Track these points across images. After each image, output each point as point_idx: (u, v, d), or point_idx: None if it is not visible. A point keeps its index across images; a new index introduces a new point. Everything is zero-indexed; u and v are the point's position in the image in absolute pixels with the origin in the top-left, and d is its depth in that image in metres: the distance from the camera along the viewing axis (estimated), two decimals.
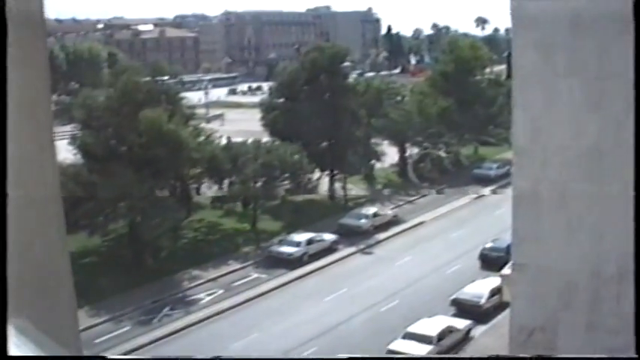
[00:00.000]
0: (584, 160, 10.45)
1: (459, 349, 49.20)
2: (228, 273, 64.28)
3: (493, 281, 54.89)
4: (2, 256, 7.29)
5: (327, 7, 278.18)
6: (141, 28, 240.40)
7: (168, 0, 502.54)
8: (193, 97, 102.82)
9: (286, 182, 74.05)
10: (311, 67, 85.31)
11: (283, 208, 76.27)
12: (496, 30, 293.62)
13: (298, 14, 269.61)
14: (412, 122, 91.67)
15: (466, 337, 51.14)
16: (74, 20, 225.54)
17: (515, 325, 11.43)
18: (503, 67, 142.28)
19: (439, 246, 70.02)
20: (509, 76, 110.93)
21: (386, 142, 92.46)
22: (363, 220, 75.29)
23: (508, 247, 51.37)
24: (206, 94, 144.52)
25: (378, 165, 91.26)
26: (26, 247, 8.52)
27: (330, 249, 69.28)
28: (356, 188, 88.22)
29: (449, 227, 75.78)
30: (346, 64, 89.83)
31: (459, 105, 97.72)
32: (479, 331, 51.99)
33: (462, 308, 54.69)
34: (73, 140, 65.69)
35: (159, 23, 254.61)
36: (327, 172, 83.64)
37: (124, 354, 47.91)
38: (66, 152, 61.26)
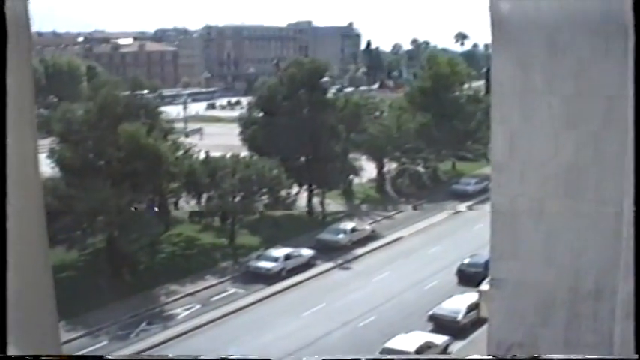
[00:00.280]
0: (562, 176, 10.49)
1: None
2: (205, 288, 64.11)
3: (471, 297, 54.89)
4: (2, 256, 7.27)
5: (309, 22, 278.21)
6: (120, 42, 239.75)
7: (150, 14, 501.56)
8: (172, 111, 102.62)
9: (264, 197, 73.87)
10: (290, 82, 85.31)
11: (261, 223, 76.14)
12: (475, 46, 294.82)
13: (279, 29, 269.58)
14: (391, 137, 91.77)
15: (444, 352, 51.10)
16: (54, 34, 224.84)
17: (493, 341, 11.45)
18: (481, 82, 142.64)
19: (417, 261, 70.07)
20: (487, 91, 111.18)
21: (364, 158, 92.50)
22: (341, 236, 75.28)
23: (486, 263, 51.50)
24: (185, 108, 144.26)
25: (356, 180, 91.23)
26: (9, 259, 8.48)
27: (308, 264, 69.24)
28: (334, 203, 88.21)
29: (427, 243, 75.87)
30: (325, 79, 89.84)
31: (438, 120, 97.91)
32: (456, 346, 52.01)
33: (440, 324, 54.73)
34: (52, 154, 65.39)
35: (138, 37, 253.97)
36: (305, 187, 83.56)
37: None
38: (44, 166, 60.99)
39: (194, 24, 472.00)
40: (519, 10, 10.34)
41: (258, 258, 68.72)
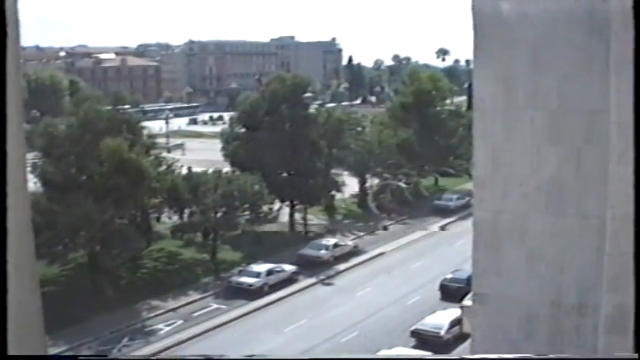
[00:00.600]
0: (545, 191, 10.49)
1: None
2: (187, 303, 64.01)
3: (453, 312, 54.91)
4: (2, 256, 7.22)
5: (291, 37, 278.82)
6: (103, 56, 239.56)
7: (132, 29, 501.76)
8: (154, 126, 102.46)
9: (246, 212, 73.77)
10: (272, 97, 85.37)
11: (243, 238, 76.02)
12: (457, 61, 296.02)
13: (261, 44, 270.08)
14: (372, 153, 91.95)
15: None
16: (37, 48, 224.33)
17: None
18: (463, 98, 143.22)
19: (399, 277, 70.09)
20: (469, 107, 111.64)
21: (346, 173, 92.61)
22: (323, 251, 75.27)
23: (468, 278, 51.48)
24: (167, 123, 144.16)
25: (338, 196, 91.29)
26: None
27: (291, 280, 69.22)
28: (316, 219, 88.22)
29: (409, 258, 75.92)
30: (307, 94, 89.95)
31: (420, 136, 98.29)
32: None
33: (423, 339, 54.69)
34: (34, 168, 65.12)
35: (121, 52, 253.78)
36: (287, 203, 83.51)
37: None
38: None
39: (176, 39, 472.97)
40: (502, 25, 10.35)
41: (240, 273, 68.67)
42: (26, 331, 9.35)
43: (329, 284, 69.98)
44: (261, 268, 68.52)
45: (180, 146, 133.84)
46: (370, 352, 50.60)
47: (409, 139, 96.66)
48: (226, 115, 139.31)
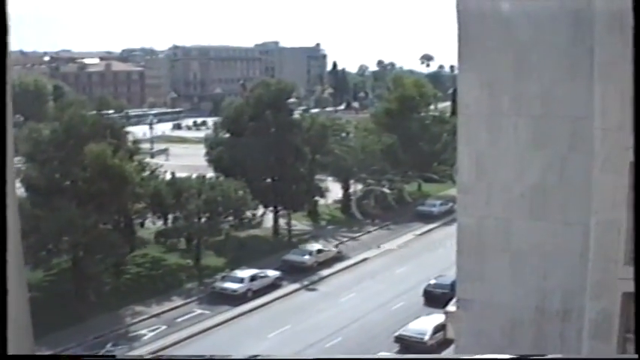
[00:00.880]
0: (529, 197, 10.52)
1: None
2: (171, 309, 63.81)
3: (437, 318, 54.90)
4: (2, 255, 7.22)
5: (276, 43, 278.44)
6: (87, 61, 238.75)
7: (116, 34, 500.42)
8: (138, 131, 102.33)
9: (230, 218, 73.59)
10: (256, 102, 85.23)
11: (227, 244, 75.79)
12: (441, 67, 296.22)
13: (245, 49, 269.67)
14: (356, 159, 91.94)
15: None
16: (21, 52, 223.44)
17: None
18: (447, 104, 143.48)
19: (383, 282, 70.07)
20: (454, 112, 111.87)
21: (330, 179, 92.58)
22: (307, 257, 75.17)
23: (452, 284, 51.55)
24: (151, 128, 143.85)
25: (322, 201, 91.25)
26: None
27: (274, 285, 69.09)
28: (300, 224, 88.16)
29: (393, 264, 75.93)
30: (292, 100, 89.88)
31: (404, 142, 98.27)
32: None
33: (406, 345, 54.67)
34: (17, 173, 64.79)
35: (105, 57, 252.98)
36: (271, 208, 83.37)
37: None
38: None
39: (161, 44, 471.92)
40: (486, 32, 10.38)
41: (224, 279, 68.48)
42: (15, 332, 9.33)
43: (313, 290, 69.91)
44: (245, 273, 68.39)
45: (164, 151, 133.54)
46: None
47: (393, 144, 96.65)
48: (210, 121, 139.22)
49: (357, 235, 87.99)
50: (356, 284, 70.26)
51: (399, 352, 53.82)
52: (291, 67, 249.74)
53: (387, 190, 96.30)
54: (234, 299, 65.38)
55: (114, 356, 32.95)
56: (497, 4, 10.41)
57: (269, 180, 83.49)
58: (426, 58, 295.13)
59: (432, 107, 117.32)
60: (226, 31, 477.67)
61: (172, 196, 70.63)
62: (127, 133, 76.52)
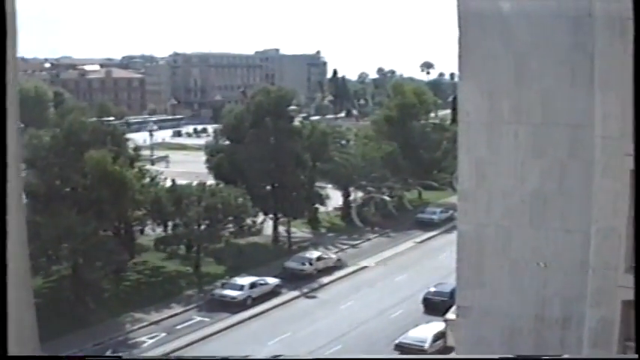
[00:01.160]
0: (529, 205, 10.54)
1: None
2: (171, 316, 63.72)
3: (437, 325, 54.87)
4: (2, 256, 7.25)
5: (276, 50, 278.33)
6: (87, 68, 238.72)
7: (117, 40, 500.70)
8: (138, 138, 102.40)
9: (230, 225, 73.56)
10: (257, 109, 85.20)
11: (227, 251, 75.72)
12: (441, 74, 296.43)
13: (245, 57, 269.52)
14: (356, 166, 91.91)
15: None
16: (22, 59, 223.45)
17: None
18: (448, 111, 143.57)
19: (383, 290, 70.04)
20: (454, 120, 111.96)
21: (330, 186, 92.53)
22: (306, 264, 75.07)
23: (452, 292, 51.58)
24: (151, 135, 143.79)
25: (322, 209, 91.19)
26: None
27: (274, 292, 68.99)
28: (300, 232, 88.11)
29: (393, 271, 75.87)
30: (292, 107, 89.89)
31: (404, 149, 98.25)
32: None
33: (406, 352, 54.55)
34: None
35: (105, 64, 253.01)
36: (271, 216, 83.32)
37: None
38: None
39: (161, 51, 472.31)
40: (486, 40, 10.39)
41: (224, 286, 68.42)
42: (20, 334, 9.37)
43: (312, 297, 69.85)
44: (245, 281, 68.31)
45: (164, 158, 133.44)
46: None
47: (393, 152, 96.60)
48: (210, 128, 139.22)
49: (357, 242, 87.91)
50: (355, 292, 70.20)
51: None
52: (292, 75, 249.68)
53: (387, 198, 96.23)
54: (234, 306, 65.32)
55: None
56: (498, 12, 10.44)
57: (269, 187, 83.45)
58: (427, 66, 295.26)
59: (432, 115, 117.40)
60: (226, 38, 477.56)
61: (172, 203, 70.60)
62: (128, 140, 76.60)
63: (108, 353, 56.15)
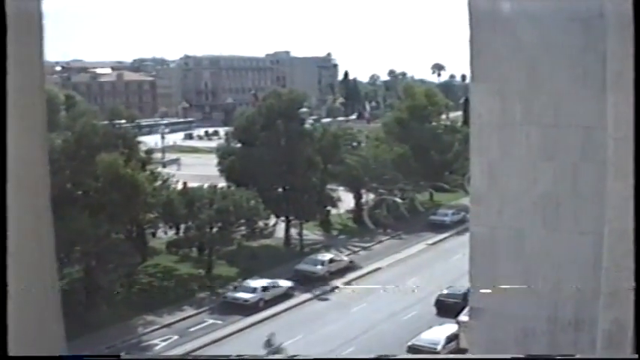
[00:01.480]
0: (541, 207, 10.50)
1: None
2: (183, 319, 63.84)
3: (450, 328, 54.82)
4: (2, 256, 7.27)
5: (287, 53, 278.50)
6: (99, 71, 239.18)
7: (128, 43, 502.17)
8: (150, 141, 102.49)
9: (242, 228, 73.66)
10: (268, 112, 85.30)
11: (239, 253, 75.84)
12: (452, 76, 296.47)
13: (256, 59, 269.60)
14: (368, 168, 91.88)
15: None
16: None
17: None
18: (459, 113, 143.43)
19: (395, 292, 69.91)
20: (465, 122, 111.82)
21: (342, 188, 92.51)
22: (319, 267, 75.12)
23: (464, 294, 51.52)
24: (162, 138, 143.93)
25: (333, 211, 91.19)
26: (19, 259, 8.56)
27: (286, 295, 69.06)
28: (312, 234, 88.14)
29: (405, 273, 75.79)
30: (303, 109, 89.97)
31: (415, 151, 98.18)
32: None
33: (419, 354, 54.50)
34: None
35: (116, 67, 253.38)
36: (282, 218, 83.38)
37: None
38: None
39: (172, 54, 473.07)
40: (498, 40, 10.38)
41: (236, 289, 68.50)
42: (45, 332, 9.39)
43: (325, 300, 69.87)
44: (257, 283, 68.37)
45: (175, 161, 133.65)
46: None
47: (404, 154, 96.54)
48: (222, 130, 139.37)
49: (369, 244, 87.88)
50: (368, 294, 70.13)
51: None
52: (303, 77, 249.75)
53: (398, 200, 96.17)
54: (246, 309, 65.38)
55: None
56: (509, 13, 10.41)
57: (281, 190, 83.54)
58: (438, 68, 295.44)
59: (443, 117, 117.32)
60: (237, 41, 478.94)
61: (184, 206, 70.71)
62: (139, 142, 76.75)
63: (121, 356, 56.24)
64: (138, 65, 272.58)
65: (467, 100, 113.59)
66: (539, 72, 10.25)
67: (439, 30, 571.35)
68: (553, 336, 10.62)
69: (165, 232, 75.14)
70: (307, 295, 70.08)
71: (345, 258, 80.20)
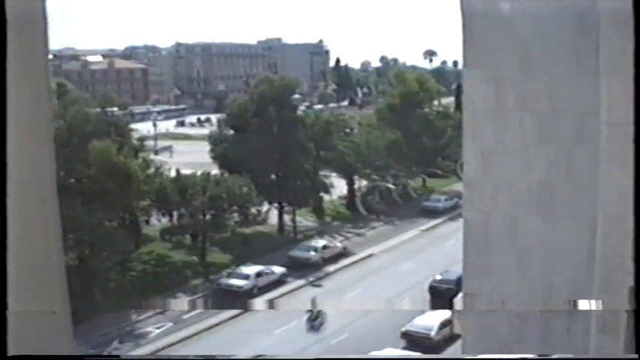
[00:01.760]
0: (535, 193, 10.50)
1: None
2: (177, 306, 63.85)
3: (443, 313, 54.83)
4: (2, 257, 7.27)
5: (279, 39, 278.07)
6: (90, 59, 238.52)
7: (119, 31, 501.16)
8: (142, 128, 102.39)
9: (235, 214, 73.64)
10: (260, 99, 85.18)
11: (232, 240, 75.80)
12: (444, 62, 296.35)
13: (248, 46, 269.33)
14: (360, 154, 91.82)
15: None
16: None
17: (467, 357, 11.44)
18: (451, 99, 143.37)
19: (389, 278, 70.00)
20: (457, 108, 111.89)
21: (334, 175, 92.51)
22: (312, 253, 75.14)
23: (458, 279, 51.53)
24: (155, 125, 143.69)
25: (326, 197, 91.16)
26: (25, 247, 8.56)
27: (280, 281, 69.11)
28: (305, 220, 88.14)
29: (398, 259, 75.86)
30: (295, 96, 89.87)
31: (408, 137, 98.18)
32: None
33: (413, 340, 54.59)
34: None
35: (108, 54, 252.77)
36: (275, 205, 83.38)
37: None
38: None
39: (163, 41, 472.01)
40: (491, 26, 10.37)
41: (230, 276, 68.54)
42: (55, 330, 9.39)
43: (318, 286, 69.90)
44: (251, 270, 68.42)
45: (168, 149, 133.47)
46: (361, 353, 50.41)
47: (397, 140, 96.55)
48: (214, 117, 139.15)
49: (362, 230, 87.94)
50: (361, 280, 70.22)
51: (405, 348, 53.68)
52: (294, 64, 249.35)
53: (391, 186, 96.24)
54: (240, 296, 65.40)
55: (117, 356, 32.87)
56: None
57: (273, 176, 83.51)
58: (429, 54, 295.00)
59: (435, 102, 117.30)
60: (229, 28, 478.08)
61: (177, 193, 70.66)
62: (131, 130, 76.67)
63: (115, 343, 56.32)
64: (129, 53, 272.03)
65: (459, 86, 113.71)
66: (532, 58, 10.25)
67: (431, 16, 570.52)
68: (547, 321, 10.64)
69: (159, 220, 75.07)
70: (301, 282, 70.12)
71: (339, 244, 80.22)
